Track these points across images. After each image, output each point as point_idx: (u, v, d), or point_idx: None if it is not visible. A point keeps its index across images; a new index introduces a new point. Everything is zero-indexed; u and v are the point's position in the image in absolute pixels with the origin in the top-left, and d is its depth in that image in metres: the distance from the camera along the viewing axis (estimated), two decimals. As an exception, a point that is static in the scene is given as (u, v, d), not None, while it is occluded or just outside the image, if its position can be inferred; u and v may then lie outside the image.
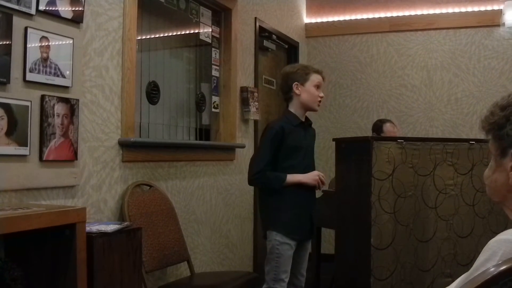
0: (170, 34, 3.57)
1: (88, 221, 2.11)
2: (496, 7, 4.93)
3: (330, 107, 5.48)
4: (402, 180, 2.82)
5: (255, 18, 4.40)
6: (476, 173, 2.98)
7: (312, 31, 5.59)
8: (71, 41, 2.41)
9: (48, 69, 2.28)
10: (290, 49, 5.30)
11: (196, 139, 3.72)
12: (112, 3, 2.75)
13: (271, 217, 2.84)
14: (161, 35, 3.46)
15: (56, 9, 2.31)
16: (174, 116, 3.51)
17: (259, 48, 4.52)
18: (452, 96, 5.11)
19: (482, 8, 4.99)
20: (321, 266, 4.06)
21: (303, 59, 5.39)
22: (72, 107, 2.40)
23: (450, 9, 5.10)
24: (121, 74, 2.80)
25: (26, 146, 2.17)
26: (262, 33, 4.60)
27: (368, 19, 5.38)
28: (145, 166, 3.02)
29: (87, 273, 2.00)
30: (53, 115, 2.29)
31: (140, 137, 3.11)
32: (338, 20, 5.50)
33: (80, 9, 2.45)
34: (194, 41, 3.75)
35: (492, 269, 1.02)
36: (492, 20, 4.95)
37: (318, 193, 3.14)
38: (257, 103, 4.25)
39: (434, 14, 5.15)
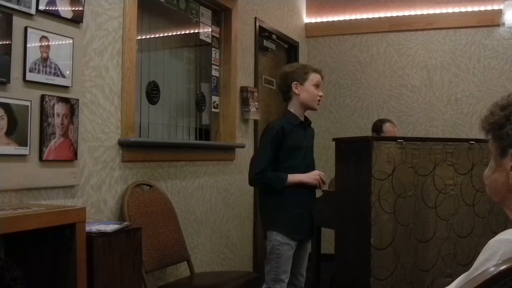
0: (170, 34, 3.57)
1: (88, 221, 2.11)
2: (496, 7, 4.93)
3: (330, 107, 5.48)
4: (402, 180, 2.82)
5: (255, 18, 4.40)
6: (476, 173, 2.97)
7: (312, 31, 5.59)
8: (71, 41, 2.41)
9: (48, 69, 2.28)
10: (290, 49, 5.30)
11: (196, 139, 3.72)
12: (112, 3, 2.75)
13: (272, 217, 2.83)
14: (161, 35, 3.46)
15: (56, 9, 2.31)
16: (174, 116, 3.51)
17: (259, 48, 4.52)
18: (452, 96, 5.11)
19: (482, 8, 4.99)
20: (321, 266, 4.06)
21: (303, 59, 5.39)
22: (72, 107, 2.40)
23: (450, 9, 5.10)
24: (121, 74, 2.80)
25: (26, 146, 2.17)
26: (262, 33, 4.60)
27: (368, 19, 5.38)
28: (145, 166, 3.02)
29: (87, 273, 2.00)
30: (53, 115, 2.29)
31: (140, 137, 3.11)
32: (338, 20, 5.50)
33: (80, 9, 2.45)
34: (194, 41, 3.75)
35: (492, 268, 1.02)
36: (492, 20, 4.95)
37: (318, 193, 3.14)
38: (257, 103, 4.25)
39: (434, 14, 5.15)
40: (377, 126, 4.29)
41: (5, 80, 2.07)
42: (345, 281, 3.06)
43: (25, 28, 2.17)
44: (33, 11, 2.19)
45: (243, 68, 4.19)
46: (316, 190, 2.96)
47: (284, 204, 2.81)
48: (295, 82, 2.87)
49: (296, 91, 2.87)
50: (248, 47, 4.29)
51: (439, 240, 2.90)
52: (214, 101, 3.90)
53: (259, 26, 4.46)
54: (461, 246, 2.95)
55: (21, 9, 2.14)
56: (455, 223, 2.95)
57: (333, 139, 3.17)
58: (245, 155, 4.12)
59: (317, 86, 2.89)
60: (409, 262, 2.82)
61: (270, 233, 2.81)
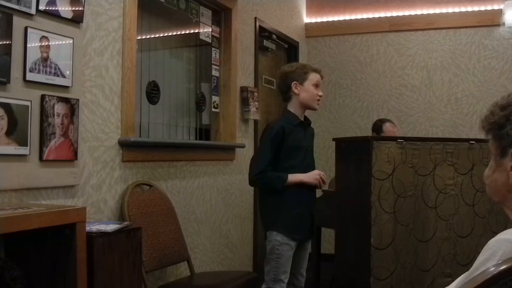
0: (170, 34, 3.57)
1: (88, 220, 2.11)
2: (496, 7, 4.93)
3: (330, 107, 5.48)
4: (402, 180, 2.81)
5: (255, 18, 4.40)
6: (476, 173, 2.97)
7: (312, 31, 5.59)
8: (71, 41, 2.41)
9: (48, 69, 2.28)
10: (290, 49, 5.30)
11: (196, 139, 3.72)
12: (112, 3, 2.75)
13: (272, 217, 2.83)
14: (161, 35, 3.46)
15: (56, 9, 2.31)
16: (174, 116, 3.51)
17: (259, 48, 4.52)
18: (452, 96, 5.12)
19: (482, 8, 4.99)
20: (321, 266, 4.06)
21: (303, 59, 5.39)
22: (72, 107, 2.40)
23: (450, 9, 5.10)
24: (121, 74, 2.80)
25: (26, 145, 2.17)
26: (262, 33, 4.60)
27: (368, 19, 5.39)
28: (145, 166, 3.02)
29: (87, 273, 2.00)
30: (53, 115, 2.30)
31: (140, 137, 3.11)
32: (338, 20, 5.50)
33: (80, 9, 2.45)
34: (194, 41, 3.75)
35: (492, 268, 1.02)
36: (492, 20, 4.95)
37: (318, 193, 3.14)
38: (257, 103, 4.25)
39: (434, 14, 5.15)
40: (377, 126, 4.29)
41: (5, 80, 2.07)
42: (345, 281, 3.06)
43: (25, 28, 2.17)
44: (33, 11, 2.19)
45: (243, 68, 4.19)
46: (316, 189, 2.95)
47: (284, 204, 2.81)
48: (294, 82, 2.87)
49: (295, 91, 2.87)
50: (248, 47, 4.30)
51: (439, 240, 2.90)
52: (214, 101, 3.90)
53: (259, 26, 4.46)
54: (461, 246, 2.95)
55: (21, 9, 2.14)
56: (455, 223, 2.95)
57: (333, 139, 3.17)
58: (245, 155, 4.12)
59: (316, 85, 2.89)
60: (409, 262, 2.82)
61: (270, 233, 2.81)
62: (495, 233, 1.12)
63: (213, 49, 3.90)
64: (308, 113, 3.02)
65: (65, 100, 2.36)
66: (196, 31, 3.74)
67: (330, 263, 3.36)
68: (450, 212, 2.94)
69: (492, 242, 1.08)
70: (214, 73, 3.91)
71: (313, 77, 2.89)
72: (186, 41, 3.70)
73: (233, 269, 3.93)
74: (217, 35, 3.95)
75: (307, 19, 5.60)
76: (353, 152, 2.98)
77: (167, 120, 3.40)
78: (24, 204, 2.05)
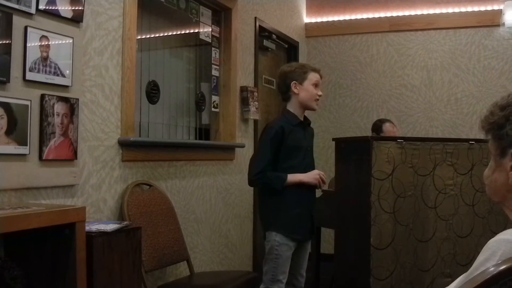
0: (170, 33, 3.57)
1: (87, 220, 2.12)
2: (496, 7, 4.93)
3: (330, 107, 5.48)
4: (402, 180, 2.82)
5: (255, 17, 4.40)
6: (476, 173, 2.98)
7: (312, 30, 5.59)
8: (71, 41, 2.41)
9: (48, 69, 2.28)
10: (290, 48, 5.30)
11: (196, 139, 3.72)
12: (112, 2, 2.75)
13: (271, 218, 2.83)
14: (161, 35, 3.46)
15: (56, 8, 2.31)
16: (174, 116, 3.51)
17: (259, 48, 4.52)
18: (452, 96, 5.11)
19: (482, 8, 4.99)
20: (321, 266, 4.06)
21: (303, 58, 5.39)
22: (72, 106, 2.40)
23: (450, 9, 5.10)
24: (121, 74, 2.80)
25: (26, 145, 2.17)
26: (262, 33, 4.60)
27: (368, 19, 5.38)
28: (145, 165, 3.02)
29: (86, 272, 2.00)
30: (53, 115, 2.29)
31: (139, 136, 3.11)
32: (338, 20, 5.50)
33: (80, 8, 2.45)
34: (194, 40, 3.75)
35: (492, 268, 1.02)
36: (492, 20, 4.95)
37: (318, 193, 3.14)
38: (257, 103, 4.25)
39: (434, 14, 5.15)
40: (377, 126, 4.29)
41: (5, 79, 2.07)
42: (345, 281, 3.07)
43: (25, 28, 2.16)
44: (33, 10, 2.19)
45: (243, 68, 4.19)
46: (316, 189, 2.95)
47: (283, 204, 2.80)
48: (294, 82, 2.86)
49: (295, 90, 2.86)
50: (248, 47, 4.29)
51: (438, 240, 2.90)
52: (214, 101, 3.90)
53: (259, 26, 4.46)
54: (460, 246, 2.95)
55: (21, 9, 2.14)
56: (454, 223, 2.95)
57: (333, 139, 3.17)
58: (245, 155, 4.12)
59: (316, 85, 2.89)
60: (409, 262, 2.82)
61: (269, 233, 2.81)
62: (494, 233, 1.12)
63: (213, 49, 3.90)
64: (307, 113, 3.02)
65: (65, 100, 2.36)
66: (196, 30, 3.74)
67: (330, 263, 3.36)
68: (450, 212, 2.94)
69: (492, 242, 1.08)
70: (214, 73, 3.91)
71: (313, 76, 2.89)
72: (186, 41, 3.70)
73: (232, 269, 3.93)
74: (217, 35, 3.95)
75: (307, 19, 5.60)
76: (353, 152, 2.98)
77: (167, 120, 3.40)
78: (23, 204, 2.05)
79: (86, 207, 2.15)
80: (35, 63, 2.21)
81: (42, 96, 2.24)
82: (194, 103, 3.72)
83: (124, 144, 2.81)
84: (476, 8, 5.01)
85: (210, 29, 3.86)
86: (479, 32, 5.02)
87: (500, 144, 1.16)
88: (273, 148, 2.78)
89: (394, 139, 2.94)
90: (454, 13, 5.09)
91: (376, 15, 5.35)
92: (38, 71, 2.23)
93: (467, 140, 3.05)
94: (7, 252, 2.07)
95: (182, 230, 3.15)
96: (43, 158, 2.25)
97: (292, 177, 2.79)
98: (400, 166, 2.81)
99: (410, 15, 5.23)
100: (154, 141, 3.16)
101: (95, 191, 2.63)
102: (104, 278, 2.15)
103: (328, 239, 4.79)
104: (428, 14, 5.17)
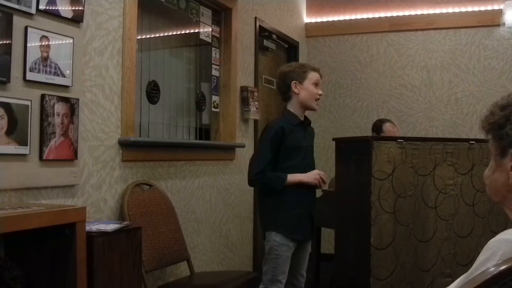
0: (170, 33, 3.57)
1: (88, 220, 2.11)
2: (496, 7, 4.93)
3: (330, 107, 5.48)
4: (402, 180, 2.82)
5: (255, 17, 4.40)
6: (476, 173, 2.98)
7: (312, 30, 5.59)
8: (71, 41, 2.41)
9: (48, 69, 2.28)
10: (290, 48, 5.30)
11: (196, 139, 3.72)
12: (112, 2, 2.75)
13: (271, 218, 2.83)
14: (161, 35, 3.46)
15: (56, 8, 2.31)
16: (174, 116, 3.51)
17: (259, 48, 4.52)
18: (452, 96, 5.12)
19: (482, 8, 4.99)
20: (321, 266, 4.06)
21: (303, 58, 5.39)
22: (72, 106, 2.40)
23: (450, 9, 5.10)
24: (121, 74, 2.80)
25: (26, 145, 2.17)
26: (262, 33, 4.60)
27: (368, 18, 5.39)
28: (145, 165, 3.02)
29: (86, 272, 2.00)
30: (53, 115, 2.29)
31: (140, 136, 3.11)
32: (338, 20, 5.50)
33: (80, 8, 2.45)
34: (194, 40, 3.75)
35: (492, 268, 1.02)
36: (492, 20, 4.95)
37: (318, 193, 3.14)
38: (257, 103, 4.25)
39: (434, 14, 5.15)
40: (377, 126, 4.29)
41: (5, 79, 2.07)
42: (345, 281, 3.06)
43: (25, 28, 2.17)
44: (33, 10, 2.19)
45: (243, 67, 4.19)
46: (316, 189, 2.95)
47: (283, 204, 2.80)
48: (294, 81, 2.86)
49: (295, 90, 2.86)
50: (248, 46, 4.30)
51: (439, 240, 2.90)
52: (214, 101, 3.90)
53: (259, 26, 4.46)
54: (461, 246, 2.95)
55: (21, 9, 2.14)
56: (455, 223, 2.95)
57: (333, 139, 3.17)
58: (245, 154, 4.12)
59: (316, 84, 2.88)
60: (409, 262, 2.82)
61: (269, 233, 2.81)
62: (495, 233, 1.12)
63: (213, 48, 3.90)
64: (308, 113, 3.02)
65: (65, 100, 2.36)
66: (196, 30, 3.74)
67: (330, 263, 3.36)
68: (450, 212, 2.94)
69: (492, 242, 1.08)
70: (214, 72, 3.91)
71: (312, 76, 2.88)
72: (186, 41, 3.70)
73: (232, 269, 3.93)
74: (217, 35, 3.95)
75: (307, 19, 5.60)
76: (353, 152, 2.98)
77: (167, 120, 3.40)
78: (24, 204, 2.05)
79: (87, 207, 2.15)
80: (35, 63, 2.21)
81: (43, 96, 2.24)
82: (194, 103, 3.72)
83: (124, 144, 2.81)
84: (476, 8, 5.01)
85: (210, 29, 3.86)
86: (479, 32, 5.02)
87: (501, 144, 1.16)
88: (273, 148, 2.78)
89: (394, 139, 2.94)
90: (454, 13, 5.09)
91: (376, 15, 5.35)
92: (39, 71, 2.23)
93: (467, 140, 3.05)
94: (7, 252, 2.07)
95: (182, 230, 3.15)
96: (44, 158, 2.25)
97: (292, 177, 2.79)
98: (400, 166, 2.81)
99: (410, 15, 5.23)
100: (154, 141, 3.16)
101: (95, 191, 2.63)
102: (104, 278, 2.15)
103: (328, 239, 4.79)
104: (428, 14, 5.17)
